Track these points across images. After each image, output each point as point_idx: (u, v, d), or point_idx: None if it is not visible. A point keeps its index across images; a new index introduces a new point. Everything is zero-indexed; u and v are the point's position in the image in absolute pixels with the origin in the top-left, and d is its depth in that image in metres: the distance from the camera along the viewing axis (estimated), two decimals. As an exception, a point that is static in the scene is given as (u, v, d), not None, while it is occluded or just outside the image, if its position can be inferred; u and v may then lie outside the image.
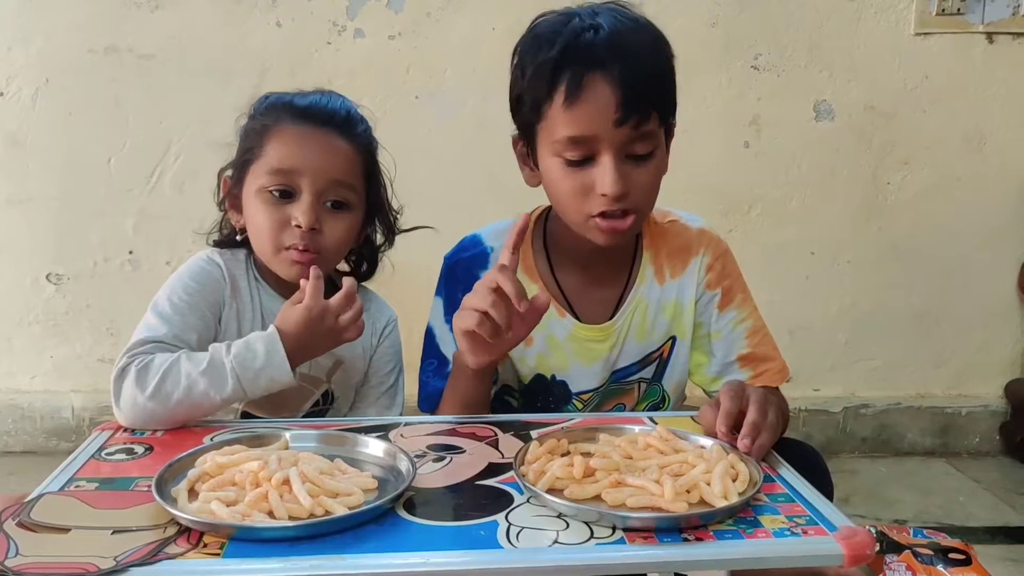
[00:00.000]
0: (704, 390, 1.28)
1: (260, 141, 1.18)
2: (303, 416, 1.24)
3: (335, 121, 1.19)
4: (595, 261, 1.21)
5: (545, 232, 1.24)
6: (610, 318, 1.21)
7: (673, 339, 1.25)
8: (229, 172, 1.24)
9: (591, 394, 1.24)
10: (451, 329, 1.14)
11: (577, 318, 1.21)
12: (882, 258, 2.34)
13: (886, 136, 2.27)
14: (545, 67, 1.06)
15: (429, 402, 1.21)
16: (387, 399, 1.29)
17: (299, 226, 1.14)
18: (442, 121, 2.20)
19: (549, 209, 1.24)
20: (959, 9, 2.19)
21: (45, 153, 2.18)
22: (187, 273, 1.20)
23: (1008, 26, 2.21)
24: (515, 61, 1.12)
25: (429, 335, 1.24)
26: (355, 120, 1.22)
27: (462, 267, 1.22)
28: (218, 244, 1.27)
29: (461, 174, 2.20)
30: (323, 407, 1.27)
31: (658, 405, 1.28)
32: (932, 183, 2.31)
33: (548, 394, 1.24)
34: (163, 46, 2.14)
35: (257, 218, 1.17)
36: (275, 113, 1.20)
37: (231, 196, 1.23)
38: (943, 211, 2.32)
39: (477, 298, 1.01)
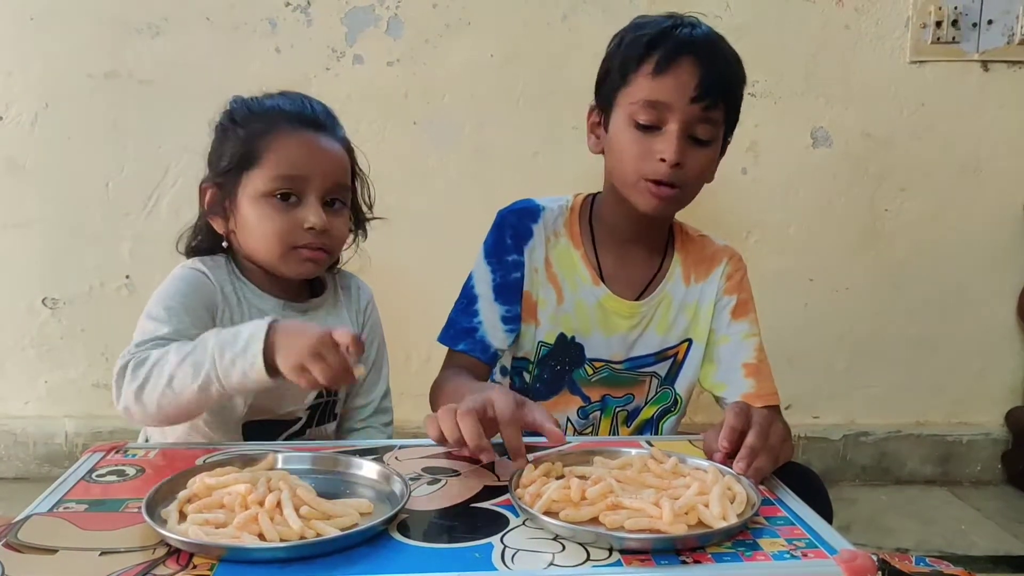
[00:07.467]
0: (713, 395, 1.34)
1: (255, 147, 1.18)
2: (309, 407, 1.26)
3: (325, 125, 1.24)
4: (632, 242, 1.32)
5: (592, 213, 1.35)
6: (636, 299, 1.30)
7: (689, 341, 1.33)
8: (210, 181, 1.23)
9: (604, 364, 1.31)
10: (491, 269, 1.31)
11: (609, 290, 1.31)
12: (880, 285, 2.34)
13: (883, 163, 2.28)
14: (642, 39, 1.21)
15: (448, 335, 1.31)
16: (374, 374, 1.35)
17: (311, 228, 1.17)
18: (440, 146, 2.20)
19: (595, 195, 1.36)
20: (954, 38, 2.20)
21: (43, 177, 2.17)
22: (175, 282, 1.19)
23: (1003, 54, 2.22)
24: (613, 42, 1.27)
25: (468, 279, 1.34)
26: (336, 122, 1.27)
27: (514, 215, 1.34)
28: (196, 252, 1.27)
29: (458, 199, 2.20)
30: (327, 398, 1.28)
31: (669, 409, 1.35)
32: (929, 210, 2.30)
33: (564, 355, 1.31)
34: (163, 71, 2.14)
35: (264, 223, 1.18)
36: (267, 119, 1.21)
37: (213, 204, 1.23)
38: (941, 238, 2.32)
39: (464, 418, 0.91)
